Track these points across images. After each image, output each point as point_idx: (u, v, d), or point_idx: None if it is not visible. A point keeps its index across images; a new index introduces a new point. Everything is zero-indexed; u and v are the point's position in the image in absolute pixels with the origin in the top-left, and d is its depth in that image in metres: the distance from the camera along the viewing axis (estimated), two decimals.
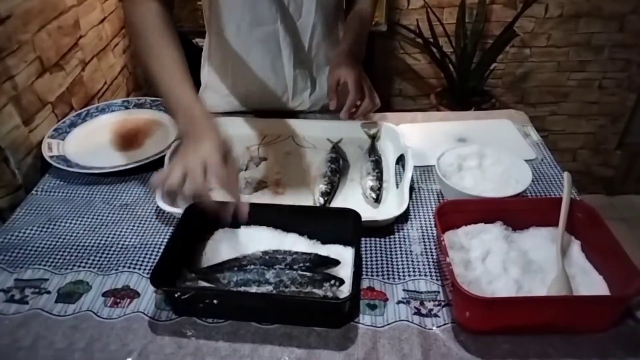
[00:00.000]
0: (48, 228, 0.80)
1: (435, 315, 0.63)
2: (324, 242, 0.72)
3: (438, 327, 0.62)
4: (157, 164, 0.91)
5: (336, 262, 0.68)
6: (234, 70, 1.04)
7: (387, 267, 0.71)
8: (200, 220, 0.73)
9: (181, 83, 0.74)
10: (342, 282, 0.65)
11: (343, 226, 0.71)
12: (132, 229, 0.79)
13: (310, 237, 0.72)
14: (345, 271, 0.67)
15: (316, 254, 0.68)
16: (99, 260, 0.73)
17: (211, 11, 0.97)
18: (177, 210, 0.77)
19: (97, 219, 0.82)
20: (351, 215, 0.70)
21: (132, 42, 0.78)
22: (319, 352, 0.59)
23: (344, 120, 1.02)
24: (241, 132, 1.02)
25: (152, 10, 0.78)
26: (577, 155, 2.28)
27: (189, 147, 0.68)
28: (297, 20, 0.96)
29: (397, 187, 0.85)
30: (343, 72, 0.90)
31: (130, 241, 0.77)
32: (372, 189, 0.82)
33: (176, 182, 0.64)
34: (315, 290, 0.64)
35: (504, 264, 0.65)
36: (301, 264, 0.66)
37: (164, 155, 0.89)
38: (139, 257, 0.74)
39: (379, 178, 0.85)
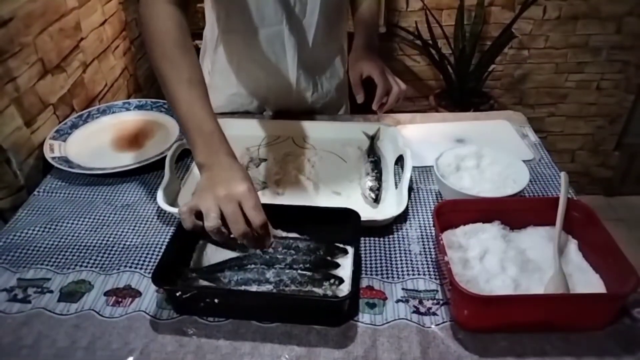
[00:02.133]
0: (50, 228, 0.80)
1: (434, 314, 0.64)
2: (323, 242, 0.72)
3: (437, 325, 0.62)
4: (158, 164, 0.92)
5: (336, 265, 0.69)
6: (239, 70, 1.05)
7: (386, 266, 0.71)
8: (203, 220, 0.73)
9: (202, 107, 0.68)
10: (341, 281, 0.65)
11: (343, 226, 0.71)
12: (133, 229, 0.80)
13: (311, 237, 0.73)
14: (344, 270, 0.68)
15: (316, 256, 0.69)
16: (100, 260, 0.74)
17: (218, 12, 0.98)
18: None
19: (98, 219, 0.82)
20: (351, 215, 0.71)
21: (146, 49, 0.73)
22: (318, 350, 0.60)
23: (343, 122, 1.03)
24: (241, 133, 1.03)
25: (171, 16, 0.72)
26: (576, 156, 2.28)
27: (217, 182, 0.62)
28: (302, 20, 0.96)
29: (396, 187, 0.86)
30: (365, 65, 0.92)
31: (131, 241, 0.77)
32: (371, 189, 0.83)
33: (216, 224, 0.60)
34: (315, 289, 0.64)
35: (501, 263, 0.65)
36: (301, 264, 0.67)
37: (165, 156, 0.89)
38: (141, 256, 0.74)
39: (378, 178, 0.85)
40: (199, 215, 0.61)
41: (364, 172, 0.88)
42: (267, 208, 0.76)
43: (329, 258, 0.69)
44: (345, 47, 1.12)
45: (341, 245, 0.72)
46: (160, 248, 0.76)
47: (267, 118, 1.09)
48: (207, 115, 0.68)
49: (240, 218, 0.60)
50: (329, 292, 0.64)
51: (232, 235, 0.61)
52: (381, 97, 0.90)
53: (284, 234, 0.73)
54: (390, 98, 0.91)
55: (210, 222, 0.60)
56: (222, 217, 0.60)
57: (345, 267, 0.69)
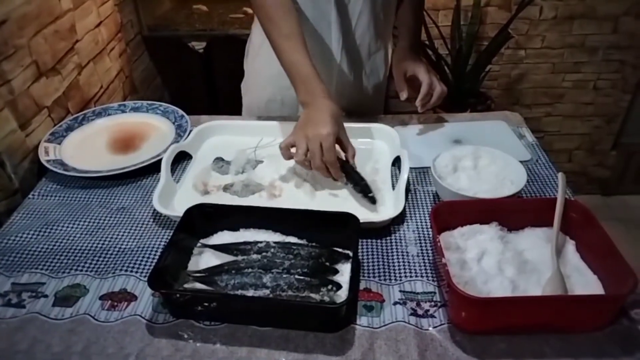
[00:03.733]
0: (45, 232, 0.80)
1: (432, 316, 0.64)
2: (322, 246, 0.72)
3: (434, 327, 0.62)
4: (154, 167, 0.91)
5: (334, 271, 0.68)
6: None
7: (384, 268, 0.71)
8: (199, 223, 0.73)
9: (300, 55, 0.83)
10: (339, 286, 0.65)
11: (341, 230, 0.71)
12: (129, 233, 0.79)
13: (309, 241, 0.72)
14: (343, 276, 0.67)
15: (315, 261, 0.68)
16: (96, 264, 0.73)
17: None
18: (174, 213, 0.78)
19: (94, 222, 0.82)
20: (350, 219, 0.70)
21: (256, 14, 0.91)
22: (315, 354, 0.59)
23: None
24: (238, 135, 1.02)
25: None
26: (573, 156, 2.29)
27: (309, 121, 0.80)
28: (347, 4, 0.96)
29: (393, 188, 0.86)
30: (410, 64, 0.98)
31: (127, 244, 0.77)
32: (363, 194, 0.82)
33: (302, 158, 0.80)
34: (312, 295, 0.64)
35: (499, 264, 0.65)
36: (299, 269, 0.67)
37: (161, 159, 0.89)
38: (136, 260, 0.74)
39: (357, 183, 0.83)
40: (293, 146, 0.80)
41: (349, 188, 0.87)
42: (266, 211, 0.76)
43: (327, 264, 0.69)
44: (390, 50, 1.12)
45: (343, 251, 0.71)
46: (156, 251, 0.75)
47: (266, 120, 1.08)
48: (305, 61, 0.83)
49: (318, 155, 0.78)
50: (327, 298, 0.63)
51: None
52: (426, 94, 0.95)
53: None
54: (434, 96, 0.96)
55: (298, 156, 0.80)
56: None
57: (343, 272, 0.68)
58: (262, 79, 1.09)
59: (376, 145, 0.99)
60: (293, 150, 0.82)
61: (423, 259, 0.72)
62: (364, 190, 0.82)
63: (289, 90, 1.05)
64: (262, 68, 1.08)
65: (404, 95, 0.99)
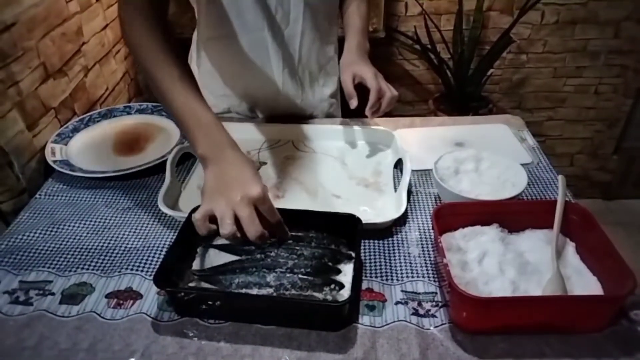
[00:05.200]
0: (51, 231, 0.81)
1: (433, 316, 0.64)
2: (325, 246, 0.72)
3: (436, 327, 0.63)
4: (159, 168, 0.92)
5: (337, 271, 0.69)
6: (224, 73, 1.04)
7: (386, 268, 0.72)
8: None
9: (197, 100, 0.68)
10: (342, 286, 0.66)
11: (344, 231, 0.72)
12: (134, 232, 0.80)
13: (312, 241, 0.73)
14: (346, 276, 0.68)
15: (318, 261, 0.69)
16: (102, 263, 0.74)
17: (198, 16, 0.98)
18: (179, 214, 0.79)
19: (100, 222, 0.83)
20: (352, 220, 0.71)
21: (132, 55, 0.78)
22: (318, 352, 0.60)
23: (343, 126, 1.04)
24: (241, 137, 1.02)
25: (146, 23, 0.71)
26: (575, 160, 2.29)
27: (226, 182, 0.62)
28: (285, 28, 0.95)
29: (396, 190, 0.87)
30: (357, 69, 0.92)
31: (132, 244, 0.78)
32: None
33: (232, 230, 0.59)
34: (315, 294, 0.65)
35: (500, 265, 0.66)
36: (302, 269, 0.68)
37: (166, 160, 0.90)
38: (142, 259, 0.75)
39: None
40: (212, 219, 0.60)
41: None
42: None
43: (330, 264, 0.69)
44: (337, 54, 1.11)
45: (347, 252, 0.72)
46: (161, 251, 0.76)
47: (263, 121, 1.09)
48: (203, 107, 0.67)
49: (256, 221, 0.59)
50: (329, 297, 0.64)
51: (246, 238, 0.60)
52: (374, 102, 0.90)
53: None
54: (384, 103, 0.90)
55: (225, 228, 0.59)
56: (237, 221, 0.59)
57: (346, 272, 0.69)
58: (213, 95, 1.07)
59: (378, 147, 1.00)
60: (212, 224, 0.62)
61: (425, 260, 0.73)
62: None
63: (239, 108, 1.08)
64: (209, 85, 1.04)
65: (353, 104, 0.92)
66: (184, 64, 0.72)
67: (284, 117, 1.08)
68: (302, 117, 1.10)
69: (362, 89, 0.93)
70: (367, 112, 0.91)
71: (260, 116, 1.12)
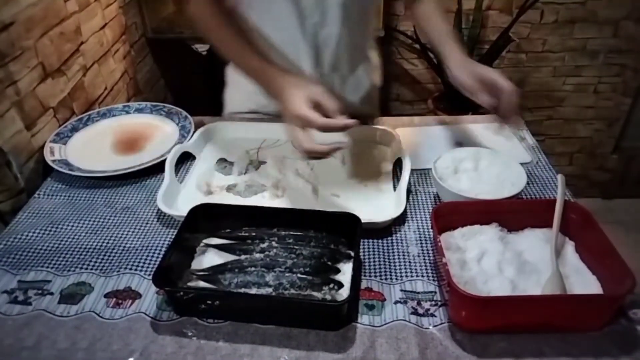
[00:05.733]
0: (50, 231, 0.81)
1: (432, 315, 0.64)
2: (324, 246, 0.72)
3: (435, 326, 0.63)
4: (158, 167, 0.92)
5: (336, 270, 0.69)
6: None
7: (385, 268, 0.72)
8: (202, 223, 0.74)
9: (246, 52, 0.86)
10: (341, 285, 0.66)
11: (343, 230, 0.72)
12: (133, 232, 0.80)
13: (311, 240, 0.73)
14: (345, 275, 0.68)
15: (317, 260, 0.69)
16: (101, 262, 0.74)
17: (235, 8, 0.95)
18: (178, 213, 0.79)
19: (98, 221, 0.83)
20: (351, 219, 0.71)
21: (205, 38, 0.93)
22: (317, 351, 0.60)
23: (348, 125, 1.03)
24: (240, 136, 1.03)
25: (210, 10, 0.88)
26: (574, 159, 2.29)
27: (284, 109, 0.78)
28: (319, 29, 0.93)
29: (395, 190, 0.87)
30: (476, 70, 0.84)
31: (131, 243, 0.78)
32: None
33: (305, 140, 0.73)
34: (314, 293, 0.65)
35: (499, 265, 0.66)
36: (301, 268, 0.67)
37: (165, 159, 0.90)
38: (141, 259, 0.75)
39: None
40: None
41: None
42: (268, 211, 0.77)
43: (329, 263, 0.69)
44: (374, 59, 1.09)
45: (346, 251, 0.72)
46: (160, 250, 0.76)
47: (267, 121, 1.09)
48: (250, 55, 0.86)
49: (300, 133, 0.74)
50: (328, 297, 0.64)
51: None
52: (511, 104, 0.81)
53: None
54: (510, 108, 0.82)
55: (298, 143, 0.74)
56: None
57: (345, 271, 0.69)
58: (243, 93, 1.07)
59: (378, 146, 1.00)
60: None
61: (424, 259, 0.73)
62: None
63: (269, 107, 1.07)
64: (242, 82, 1.03)
65: (483, 98, 0.83)
66: (231, 27, 0.89)
67: None
68: None
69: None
70: (505, 114, 0.83)
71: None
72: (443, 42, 0.93)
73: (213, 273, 0.68)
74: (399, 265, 0.72)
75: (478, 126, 1.08)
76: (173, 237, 0.70)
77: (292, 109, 0.74)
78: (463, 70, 0.86)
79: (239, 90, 1.08)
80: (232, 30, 0.88)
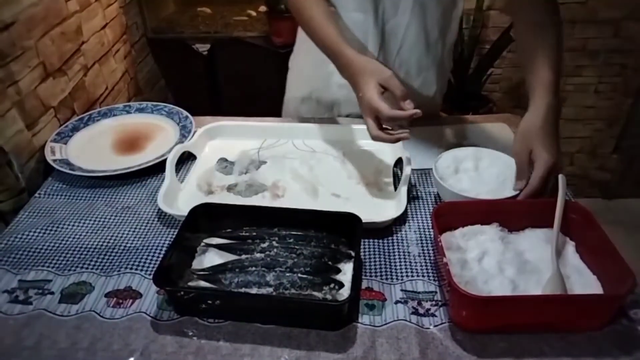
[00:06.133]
0: (51, 230, 0.81)
1: (433, 315, 0.64)
2: (324, 246, 0.72)
3: (435, 326, 0.63)
4: (158, 167, 0.92)
5: (337, 270, 0.69)
6: (316, 53, 0.91)
7: (386, 267, 0.72)
8: (203, 222, 0.74)
9: (327, 30, 0.84)
10: (341, 285, 0.66)
11: (344, 230, 0.72)
12: (134, 231, 0.80)
13: (312, 240, 0.73)
14: (345, 275, 0.68)
15: (317, 260, 0.69)
16: (101, 262, 0.74)
17: None
18: (179, 213, 0.79)
19: (99, 221, 0.83)
20: (352, 219, 0.71)
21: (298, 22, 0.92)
22: (318, 351, 0.60)
23: (342, 125, 1.03)
24: (241, 136, 1.03)
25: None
26: (574, 159, 2.29)
27: (357, 96, 0.79)
28: (390, 17, 0.93)
29: (395, 189, 0.87)
30: (535, 145, 0.74)
31: (132, 243, 0.78)
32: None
33: (377, 131, 0.76)
34: (315, 293, 0.65)
35: (499, 265, 0.66)
36: (302, 268, 0.67)
37: (165, 159, 0.90)
38: (141, 258, 0.75)
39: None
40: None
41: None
42: (269, 211, 0.77)
43: (330, 263, 0.69)
44: (447, 65, 1.07)
45: (346, 251, 0.72)
46: (161, 250, 0.76)
47: (268, 121, 1.09)
48: (329, 33, 0.84)
49: (371, 124, 0.77)
50: (329, 296, 0.64)
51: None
52: (528, 193, 0.73)
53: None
54: (526, 193, 0.73)
55: (374, 132, 0.77)
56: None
57: (345, 271, 0.69)
58: (301, 77, 1.11)
59: (378, 146, 0.99)
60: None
61: (424, 259, 0.73)
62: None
63: (324, 92, 1.08)
64: (301, 66, 1.10)
65: (517, 186, 0.75)
66: (320, 6, 0.88)
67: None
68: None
69: None
70: (516, 189, 0.76)
71: (338, 115, 1.09)
72: (533, 91, 0.83)
73: (214, 273, 0.68)
74: (400, 265, 0.72)
75: (479, 126, 1.08)
76: (174, 236, 0.70)
77: (365, 98, 0.76)
78: (523, 141, 0.76)
79: (299, 75, 1.11)
80: (320, 8, 0.87)
